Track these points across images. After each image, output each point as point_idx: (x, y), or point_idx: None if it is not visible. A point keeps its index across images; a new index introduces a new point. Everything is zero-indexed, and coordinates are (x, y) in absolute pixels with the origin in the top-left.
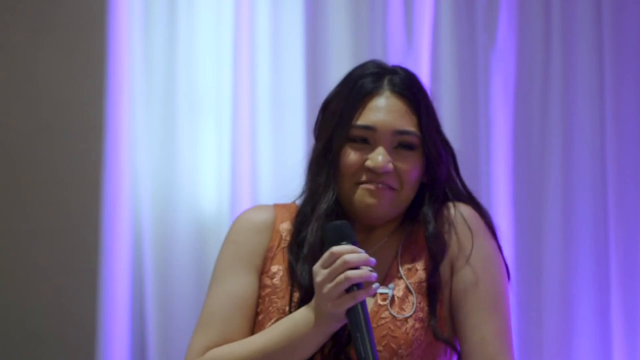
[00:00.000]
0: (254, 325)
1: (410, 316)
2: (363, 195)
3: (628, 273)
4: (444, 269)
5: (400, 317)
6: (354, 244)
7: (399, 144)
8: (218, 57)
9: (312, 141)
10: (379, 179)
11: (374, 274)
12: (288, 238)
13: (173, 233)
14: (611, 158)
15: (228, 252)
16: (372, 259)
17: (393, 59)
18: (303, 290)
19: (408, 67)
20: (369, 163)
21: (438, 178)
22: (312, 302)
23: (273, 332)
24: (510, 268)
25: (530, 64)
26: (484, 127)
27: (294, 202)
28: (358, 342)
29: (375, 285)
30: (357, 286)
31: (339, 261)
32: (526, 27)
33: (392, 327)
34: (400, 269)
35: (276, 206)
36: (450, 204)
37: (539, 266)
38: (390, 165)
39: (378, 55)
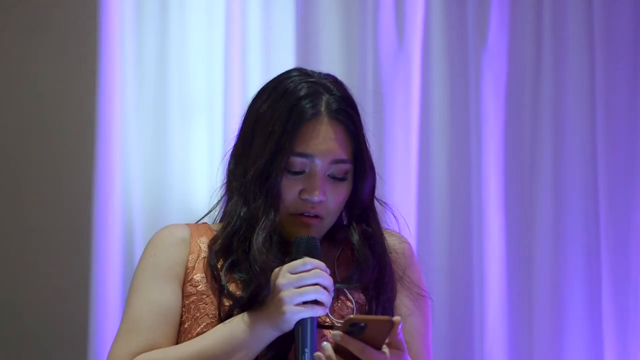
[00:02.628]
0: (179, 334)
1: None
2: (295, 226)
3: (619, 271)
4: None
5: (339, 320)
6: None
7: (332, 173)
8: (210, 57)
9: None
10: (313, 209)
11: (330, 299)
12: (207, 250)
13: None
14: (602, 157)
15: (148, 264)
16: (332, 283)
17: (384, 59)
18: (234, 301)
19: (332, 74)
20: (305, 195)
21: (360, 198)
22: (251, 311)
23: (210, 337)
24: (501, 267)
25: (521, 63)
26: (474, 126)
27: (204, 222)
28: (304, 358)
29: (325, 307)
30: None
31: (312, 272)
32: (517, 26)
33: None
34: (336, 277)
35: (189, 225)
36: (387, 232)
37: (529, 265)
38: (324, 196)
39: (369, 56)
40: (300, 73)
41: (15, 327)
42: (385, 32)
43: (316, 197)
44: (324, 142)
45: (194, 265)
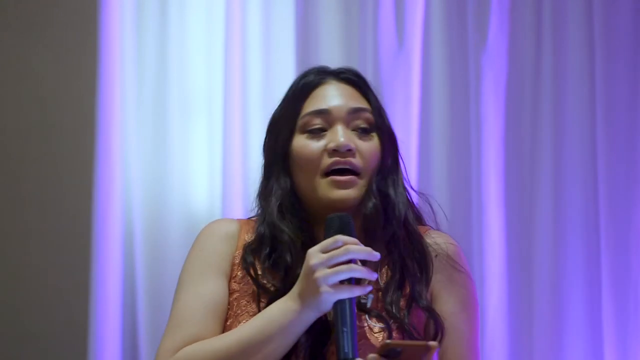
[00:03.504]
0: (224, 330)
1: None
2: (329, 189)
3: (619, 271)
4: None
5: (377, 326)
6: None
7: (356, 128)
8: (209, 57)
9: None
10: (345, 158)
11: (375, 274)
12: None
13: (164, 233)
14: (602, 157)
15: (196, 259)
16: (377, 254)
17: (384, 60)
18: (270, 294)
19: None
20: (331, 145)
21: (385, 165)
22: (289, 294)
23: (248, 325)
24: (501, 266)
25: (521, 63)
26: (474, 126)
27: (256, 217)
28: (343, 337)
29: (369, 287)
30: (352, 280)
31: (342, 249)
32: (517, 27)
33: (368, 336)
34: (379, 281)
35: (239, 220)
36: (434, 233)
37: (529, 265)
38: (352, 144)
39: (369, 55)
40: (313, 69)
41: (15, 327)
42: (385, 32)
43: (342, 142)
44: (335, 96)
45: (240, 262)
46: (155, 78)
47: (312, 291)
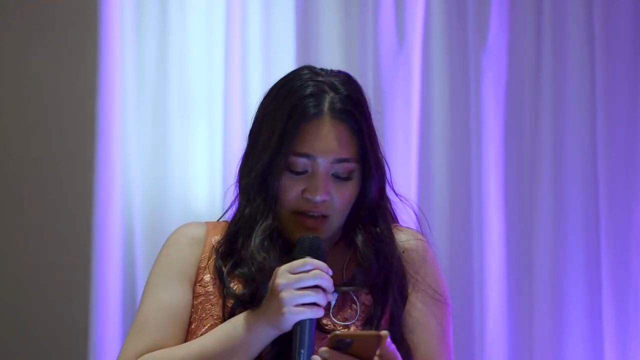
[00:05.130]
0: (187, 335)
1: (353, 323)
2: (298, 228)
3: (619, 271)
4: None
5: (342, 323)
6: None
7: (336, 173)
8: (210, 56)
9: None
10: (316, 208)
11: (334, 299)
12: (220, 245)
13: (164, 233)
14: (602, 158)
15: (161, 265)
16: (332, 285)
17: (384, 60)
18: (235, 300)
19: (345, 72)
20: (307, 195)
21: (369, 197)
22: (253, 309)
23: (209, 337)
24: (501, 266)
25: (521, 64)
26: (474, 127)
27: (224, 220)
28: (300, 358)
29: (321, 310)
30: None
31: (312, 273)
32: (517, 27)
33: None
34: (343, 278)
35: (207, 223)
36: (401, 230)
37: (529, 265)
38: (327, 196)
39: (369, 56)
40: (309, 71)
41: (15, 327)
42: (385, 32)
43: (318, 197)
44: (325, 142)
45: (206, 265)
46: (155, 78)
47: (275, 310)
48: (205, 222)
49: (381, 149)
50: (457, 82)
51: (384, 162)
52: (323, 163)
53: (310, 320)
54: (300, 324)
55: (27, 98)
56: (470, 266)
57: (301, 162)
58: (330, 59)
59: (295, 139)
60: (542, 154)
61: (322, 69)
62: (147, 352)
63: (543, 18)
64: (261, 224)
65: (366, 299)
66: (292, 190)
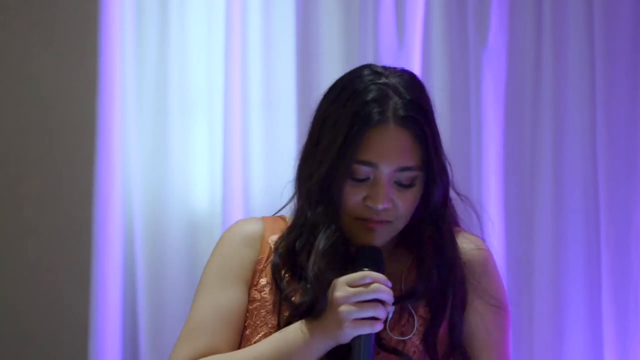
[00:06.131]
0: (241, 340)
1: (410, 338)
2: (361, 231)
3: (619, 271)
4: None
5: (398, 338)
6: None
7: (399, 180)
8: (210, 57)
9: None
10: (378, 216)
11: (391, 312)
12: (279, 250)
13: (165, 232)
14: (602, 157)
15: (215, 264)
16: (392, 298)
17: (384, 59)
18: (292, 309)
19: (408, 70)
20: (369, 202)
21: (432, 202)
22: (310, 319)
23: (264, 345)
24: (501, 267)
25: (521, 63)
26: (475, 126)
27: (281, 215)
28: None
29: (380, 324)
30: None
31: (371, 287)
32: (517, 26)
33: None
34: (402, 288)
35: (264, 219)
36: (464, 236)
37: (529, 265)
38: (389, 204)
39: (369, 55)
40: (371, 72)
41: (15, 327)
42: (385, 32)
43: (380, 205)
44: (388, 150)
45: (262, 268)
46: (155, 78)
47: (334, 323)
48: (262, 218)
49: (444, 152)
50: (457, 81)
51: (447, 165)
52: (386, 171)
53: (369, 335)
54: (358, 338)
55: (27, 98)
56: None
57: (364, 170)
58: (330, 58)
59: (358, 146)
60: (542, 154)
61: (384, 68)
62: (200, 356)
63: (543, 18)
64: (324, 231)
65: (424, 311)
66: (353, 197)
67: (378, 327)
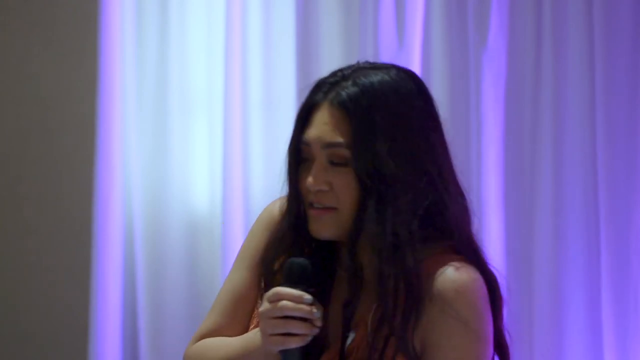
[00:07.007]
0: (247, 327)
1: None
2: (310, 219)
3: (619, 271)
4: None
5: None
6: (308, 288)
7: (331, 159)
8: (210, 56)
9: None
10: (316, 198)
11: (316, 330)
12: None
13: (165, 232)
14: (602, 157)
15: (244, 245)
16: (316, 312)
17: (384, 59)
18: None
19: (404, 68)
20: (307, 183)
21: (383, 200)
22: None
23: (237, 341)
24: (501, 267)
25: (521, 63)
26: (475, 126)
27: None
28: None
29: (302, 339)
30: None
31: (279, 305)
32: (517, 26)
33: None
34: (370, 317)
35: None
36: (447, 268)
37: (529, 265)
38: (324, 185)
39: (369, 55)
40: (355, 65)
41: (15, 327)
42: (385, 32)
43: (313, 183)
44: (317, 125)
45: None
46: (155, 78)
47: (260, 337)
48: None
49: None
50: (457, 82)
51: (424, 185)
52: (315, 149)
53: (293, 349)
54: (283, 352)
55: (27, 98)
56: None
57: (305, 150)
58: (330, 58)
59: (300, 127)
60: (542, 154)
61: (372, 63)
62: (209, 334)
63: (543, 18)
64: (287, 219)
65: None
66: (302, 181)
67: (294, 343)
